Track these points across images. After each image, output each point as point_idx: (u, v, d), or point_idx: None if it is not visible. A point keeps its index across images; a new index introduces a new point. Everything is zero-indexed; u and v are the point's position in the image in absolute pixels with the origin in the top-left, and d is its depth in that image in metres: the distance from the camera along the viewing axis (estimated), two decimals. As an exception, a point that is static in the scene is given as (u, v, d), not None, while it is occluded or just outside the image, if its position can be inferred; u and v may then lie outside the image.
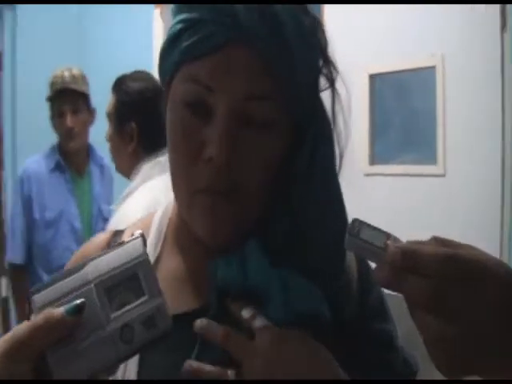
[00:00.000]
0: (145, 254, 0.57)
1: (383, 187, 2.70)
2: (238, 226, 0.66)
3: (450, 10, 2.46)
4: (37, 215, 2.52)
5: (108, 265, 0.56)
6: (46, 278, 2.44)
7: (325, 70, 0.70)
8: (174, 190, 0.69)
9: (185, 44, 0.63)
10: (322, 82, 0.70)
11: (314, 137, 0.66)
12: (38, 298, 0.54)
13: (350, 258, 0.72)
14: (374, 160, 2.77)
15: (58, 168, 2.58)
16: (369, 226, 0.54)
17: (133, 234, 0.59)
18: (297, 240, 0.65)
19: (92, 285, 0.55)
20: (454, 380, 0.48)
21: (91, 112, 2.63)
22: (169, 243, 0.75)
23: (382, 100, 2.79)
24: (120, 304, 0.55)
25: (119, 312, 0.55)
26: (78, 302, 0.53)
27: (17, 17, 3.99)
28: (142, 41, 3.61)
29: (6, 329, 3.02)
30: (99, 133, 2.15)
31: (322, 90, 0.70)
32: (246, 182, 0.64)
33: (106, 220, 2.46)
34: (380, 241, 0.53)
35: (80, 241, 2.46)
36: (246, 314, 0.62)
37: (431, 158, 2.54)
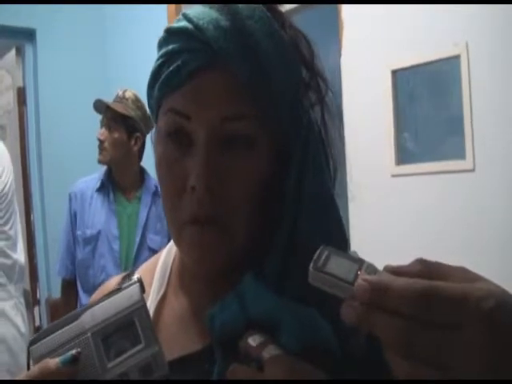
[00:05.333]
0: (141, 300, 0.58)
1: (411, 187, 2.57)
2: (227, 254, 0.64)
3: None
4: (78, 232, 2.63)
5: (104, 313, 0.56)
6: (83, 296, 2.58)
7: (312, 84, 0.69)
8: (167, 223, 0.68)
9: (162, 78, 0.64)
10: (312, 96, 0.69)
11: (301, 156, 0.64)
12: (36, 349, 0.55)
13: None
14: (400, 160, 2.64)
15: (102, 188, 2.66)
16: (339, 254, 0.49)
17: (129, 279, 0.59)
18: (294, 268, 0.61)
19: (88, 334, 0.56)
20: (454, 380, 0.41)
21: (133, 136, 2.65)
22: (174, 281, 0.75)
23: (407, 96, 2.67)
24: (117, 352, 0.55)
25: (116, 361, 0.55)
26: (74, 352, 0.54)
27: (37, 51, 4.06)
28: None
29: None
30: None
31: (312, 105, 0.68)
32: (232, 208, 0.63)
33: (151, 250, 2.53)
34: (350, 272, 0.47)
35: (117, 263, 2.55)
36: (253, 341, 0.57)
37: (459, 153, 2.39)
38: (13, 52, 4.11)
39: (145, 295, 0.61)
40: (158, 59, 0.65)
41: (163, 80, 0.64)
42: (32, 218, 4.01)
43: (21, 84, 4.13)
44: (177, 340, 0.68)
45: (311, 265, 0.48)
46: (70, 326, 0.56)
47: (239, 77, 0.61)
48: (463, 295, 0.41)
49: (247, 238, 0.65)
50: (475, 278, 0.45)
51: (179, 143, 0.63)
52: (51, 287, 3.82)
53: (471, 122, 2.34)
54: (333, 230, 0.63)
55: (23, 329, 2.60)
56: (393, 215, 2.59)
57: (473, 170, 2.34)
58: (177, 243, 0.67)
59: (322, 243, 0.55)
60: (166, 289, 0.74)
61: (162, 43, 0.66)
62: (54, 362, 0.53)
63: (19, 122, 4.12)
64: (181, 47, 0.62)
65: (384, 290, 0.43)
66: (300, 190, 0.63)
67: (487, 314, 0.40)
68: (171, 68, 0.62)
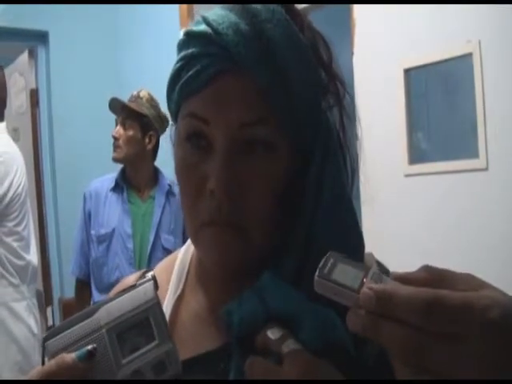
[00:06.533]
0: (155, 297, 0.58)
1: (425, 187, 2.55)
2: (245, 255, 0.65)
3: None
4: (92, 231, 2.65)
5: (119, 310, 0.57)
6: (96, 296, 2.60)
7: (331, 86, 0.68)
8: (185, 224, 0.69)
9: (182, 81, 0.64)
10: (331, 99, 0.68)
11: (320, 159, 0.64)
12: (52, 344, 0.56)
13: None
14: (413, 159, 2.63)
15: (116, 187, 2.69)
16: (344, 261, 0.49)
17: (145, 276, 0.60)
18: (310, 269, 0.59)
19: (104, 330, 0.56)
20: (455, 380, 0.41)
21: (147, 135, 2.68)
22: (191, 280, 0.75)
23: (419, 95, 2.65)
24: (131, 349, 0.56)
25: (130, 357, 0.56)
26: (89, 347, 0.55)
27: (50, 53, 4.08)
28: (171, 63, 3.60)
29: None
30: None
31: (330, 108, 0.68)
32: (251, 211, 0.63)
33: (165, 249, 2.55)
34: (355, 280, 0.47)
35: (131, 261, 2.57)
36: (272, 335, 0.57)
37: (473, 152, 2.37)
38: (25, 54, 4.14)
39: (162, 293, 0.62)
40: (177, 62, 0.66)
41: (183, 84, 0.64)
42: (45, 218, 4.04)
43: (34, 86, 4.16)
44: (194, 338, 0.68)
45: (317, 272, 0.48)
46: (86, 321, 0.57)
47: (258, 81, 0.61)
48: (468, 304, 0.41)
49: (265, 239, 0.65)
50: (481, 285, 0.44)
51: (198, 147, 0.64)
52: (64, 287, 3.84)
53: (484, 120, 2.32)
54: (350, 232, 0.64)
55: (36, 329, 2.61)
56: (406, 215, 2.57)
57: (486, 169, 2.32)
58: (195, 243, 0.68)
59: (338, 245, 0.56)
60: (184, 287, 0.74)
61: (181, 46, 0.66)
62: (70, 356, 0.54)
63: (32, 123, 4.15)
64: (200, 51, 0.63)
65: (389, 299, 0.42)
66: (318, 192, 0.63)
67: (492, 323, 0.40)
68: (191, 72, 0.63)
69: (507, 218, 2.24)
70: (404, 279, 0.45)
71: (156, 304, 0.58)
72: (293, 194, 0.64)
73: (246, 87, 0.61)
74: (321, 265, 0.48)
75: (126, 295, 0.58)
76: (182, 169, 0.66)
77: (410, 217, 2.56)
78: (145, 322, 0.57)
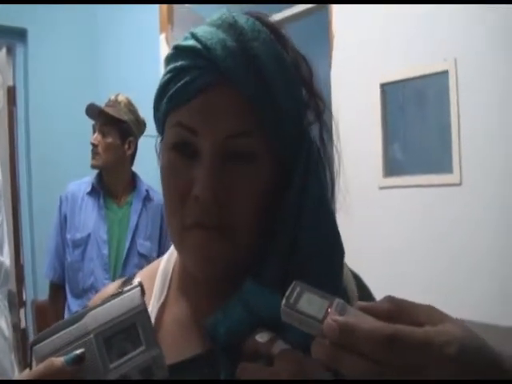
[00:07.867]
0: (142, 304, 0.59)
1: (399, 199, 2.59)
2: (229, 259, 0.67)
3: (460, 13, 2.37)
4: (68, 235, 2.60)
5: (107, 315, 0.58)
6: (71, 300, 2.54)
7: (311, 103, 0.72)
8: (168, 228, 0.71)
9: (171, 92, 0.66)
10: (311, 115, 0.72)
11: (303, 170, 0.67)
12: (40, 348, 0.56)
13: (351, 288, 0.72)
14: (388, 172, 2.67)
15: (93, 192, 2.64)
16: (310, 290, 0.51)
17: (131, 283, 0.61)
18: (292, 275, 0.61)
19: (91, 335, 0.57)
20: (455, 380, 0.43)
21: (126, 141, 2.64)
22: (174, 288, 0.77)
23: (395, 109, 2.69)
24: (118, 354, 0.57)
25: (118, 362, 0.57)
26: (78, 352, 0.56)
27: (28, 52, 4.03)
28: (150, 67, 3.59)
29: (25, 359, 3.03)
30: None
31: (311, 123, 0.71)
32: (235, 217, 0.65)
33: (140, 255, 2.52)
34: (320, 310, 0.49)
35: (106, 267, 2.54)
36: (261, 338, 0.59)
37: (447, 167, 2.42)
38: (3, 51, 4.08)
39: (146, 301, 0.62)
40: (165, 74, 0.68)
41: (171, 94, 0.66)
42: (20, 218, 3.99)
43: (11, 83, 4.10)
44: (177, 345, 0.70)
45: (283, 302, 0.50)
46: (73, 326, 0.58)
47: (245, 94, 0.64)
48: (427, 340, 0.43)
49: (248, 245, 0.67)
50: (442, 318, 0.46)
51: (185, 154, 0.66)
52: (37, 289, 3.79)
53: (458, 136, 2.37)
54: (331, 241, 0.66)
55: (7, 332, 2.56)
56: (380, 227, 2.61)
57: (459, 184, 2.37)
58: (179, 247, 0.69)
59: (320, 253, 0.62)
60: (167, 295, 0.76)
61: (169, 59, 0.68)
62: (59, 360, 0.54)
63: (9, 121, 4.09)
64: (189, 64, 0.65)
65: (351, 332, 0.45)
66: (302, 202, 0.66)
67: (450, 360, 0.42)
68: (180, 84, 0.65)
69: (479, 232, 2.29)
70: (368, 310, 0.48)
71: (143, 310, 0.59)
72: (275, 203, 0.67)
73: (233, 99, 0.64)
74: (287, 294, 0.50)
75: (113, 301, 0.59)
76: (168, 174, 0.68)
77: (384, 229, 2.59)
78: (132, 327, 0.58)
